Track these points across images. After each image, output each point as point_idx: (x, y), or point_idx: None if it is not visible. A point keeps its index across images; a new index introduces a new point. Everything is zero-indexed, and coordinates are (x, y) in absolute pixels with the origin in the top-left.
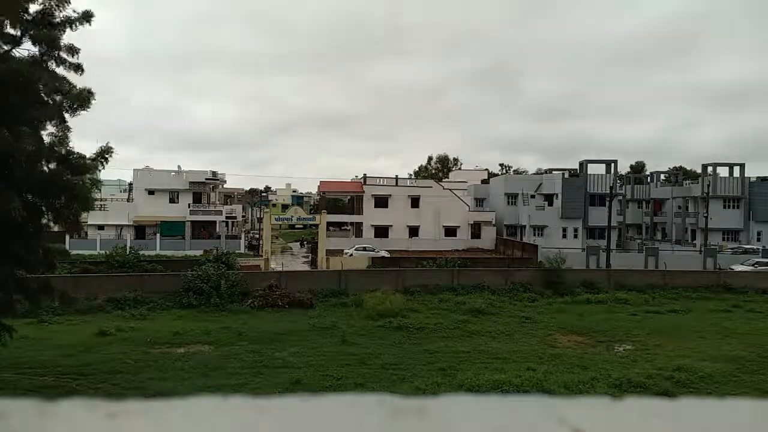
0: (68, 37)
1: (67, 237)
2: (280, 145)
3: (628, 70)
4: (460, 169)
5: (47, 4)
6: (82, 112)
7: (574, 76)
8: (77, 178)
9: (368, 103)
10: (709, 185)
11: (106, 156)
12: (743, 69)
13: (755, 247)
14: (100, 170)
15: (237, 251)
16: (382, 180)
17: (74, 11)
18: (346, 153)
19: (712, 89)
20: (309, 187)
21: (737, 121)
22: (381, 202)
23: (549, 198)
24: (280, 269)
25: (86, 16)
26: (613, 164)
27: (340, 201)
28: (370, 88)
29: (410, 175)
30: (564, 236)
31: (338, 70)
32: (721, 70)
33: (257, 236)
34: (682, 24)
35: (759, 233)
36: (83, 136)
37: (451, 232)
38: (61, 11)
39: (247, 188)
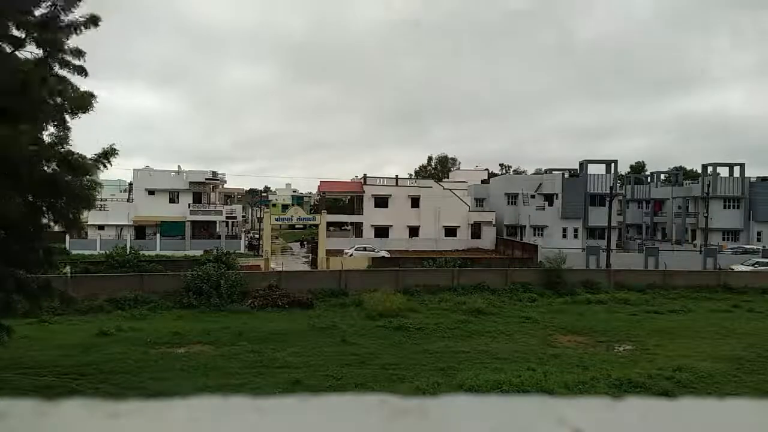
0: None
1: (67, 237)
2: (271, 157)
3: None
4: (459, 169)
5: (53, 8)
6: (83, 114)
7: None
8: (77, 179)
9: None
10: (709, 185)
11: (109, 157)
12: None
13: (755, 247)
14: (101, 171)
15: (237, 251)
16: (382, 180)
17: (81, 16)
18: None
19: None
20: (309, 187)
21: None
22: (381, 202)
23: (549, 198)
24: (280, 269)
25: (93, 20)
26: (613, 164)
27: (340, 201)
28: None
29: (410, 175)
30: (564, 236)
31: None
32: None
33: (257, 236)
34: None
35: (759, 233)
36: (88, 139)
37: (451, 232)
38: (67, 15)
39: (247, 188)
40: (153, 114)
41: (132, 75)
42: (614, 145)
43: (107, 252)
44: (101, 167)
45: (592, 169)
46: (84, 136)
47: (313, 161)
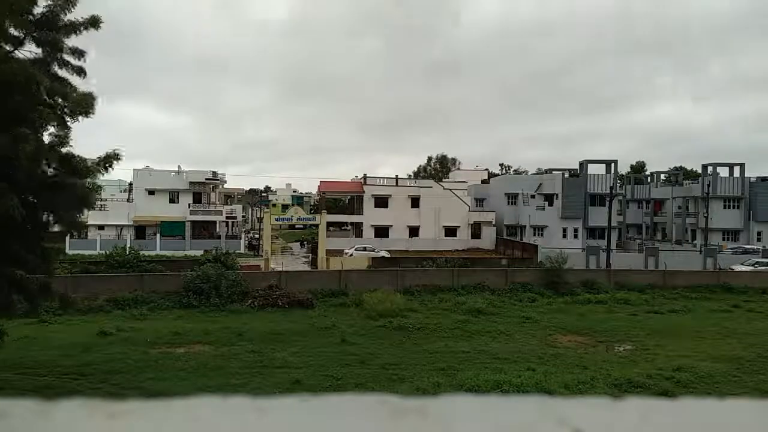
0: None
1: (67, 237)
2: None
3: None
4: (459, 169)
5: (52, 7)
6: (84, 117)
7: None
8: (78, 181)
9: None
10: (709, 185)
11: (112, 161)
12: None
13: (755, 247)
14: (102, 174)
15: (237, 251)
16: (382, 180)
17: (81, 17)
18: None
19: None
20: (309, 187)
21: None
22: (381, 202)
23: (549, 198)
24: (280, 269)
25: (93, 22)
26: (613, 164)
27: (340, 201)
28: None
29: (410, 175)
30: (564, 236)
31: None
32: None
33: (257, 236)
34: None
35: (759, 233)
36: (89, 138)
37: (451, 232)
38: (65, 14)
39: (247, 188)
40: (159, 126)
41: (143, 93)
42: (584, 150)
43: (107, 252)
44: (102, 171)
45: (592, 169)
46: (93, 141)
47: (311, 163)
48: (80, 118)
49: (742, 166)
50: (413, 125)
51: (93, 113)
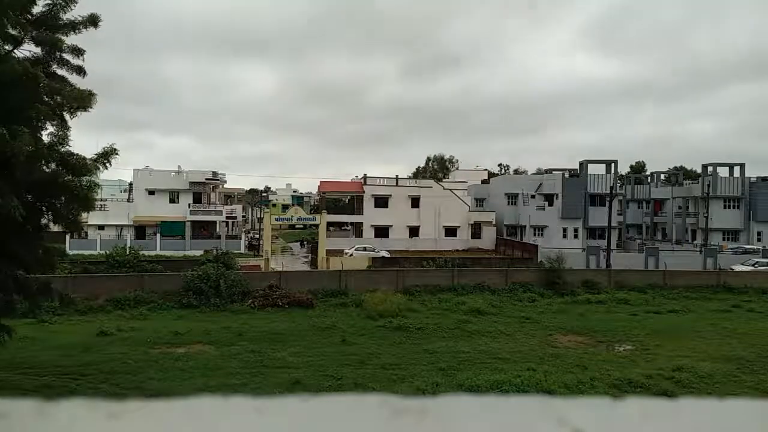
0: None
1: (67, 237)
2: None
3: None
4: (457, 169)
5: (51, 7)
6: (83, 113)
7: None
8: (76, 179)
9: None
10: (709, 185)
11: (109, 157)
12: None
13: (755, 247)
14: (101, 171)
15: (237, 251)
16: (382, 180)
17: (80, 16)
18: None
19: None
20: (309, 187)
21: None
22: (381, 202)
23: (549, 198)
24: (281, 269)
25: (92, 21)
26: (613, 164)
27: (340, 201)
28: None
29: (410, 175)
30: (564, 236)
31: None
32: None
33: (257, 236)
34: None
35: (759, 233)
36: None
37: (451, 232)
38: (65, 13)
39: (247, 188)
40: (164, 143)
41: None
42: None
43: (107, 252)
44: (101, 167)
45: (592, 169)
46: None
47: (309, 165)
48: (79, 113)
49: (742, 166)
50: (374, 144)
51: (91, 109)
